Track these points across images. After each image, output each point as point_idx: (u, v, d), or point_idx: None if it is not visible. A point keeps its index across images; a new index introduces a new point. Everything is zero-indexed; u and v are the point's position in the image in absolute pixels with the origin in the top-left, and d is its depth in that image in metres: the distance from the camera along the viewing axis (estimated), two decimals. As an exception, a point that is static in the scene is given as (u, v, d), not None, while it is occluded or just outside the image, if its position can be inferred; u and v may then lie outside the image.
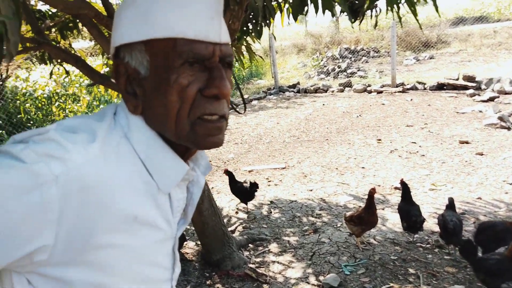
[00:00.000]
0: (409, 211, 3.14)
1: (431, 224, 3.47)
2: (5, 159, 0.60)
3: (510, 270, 2.41)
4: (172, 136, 0.70)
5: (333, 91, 10.16)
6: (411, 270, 2.86)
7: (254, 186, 3.93)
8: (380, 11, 2.99)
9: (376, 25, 3.16)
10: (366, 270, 2.89)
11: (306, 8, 2.15)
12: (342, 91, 10.07)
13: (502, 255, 2.47)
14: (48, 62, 3.91)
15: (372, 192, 3.01)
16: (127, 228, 0.67)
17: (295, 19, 2.02)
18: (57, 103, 8.48)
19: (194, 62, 0.68)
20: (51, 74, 4.32)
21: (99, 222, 0.63)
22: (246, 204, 4.10)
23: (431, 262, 2.94)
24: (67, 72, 4.07)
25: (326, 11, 1.94)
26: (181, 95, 0.67)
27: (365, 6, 2.61)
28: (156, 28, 0.67)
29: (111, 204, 0.64)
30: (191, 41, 0.67)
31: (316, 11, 1.92)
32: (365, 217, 2.99)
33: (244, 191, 3.96)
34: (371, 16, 3.30)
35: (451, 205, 3.06)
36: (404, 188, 3.28)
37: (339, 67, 12.72)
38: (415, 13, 2.31)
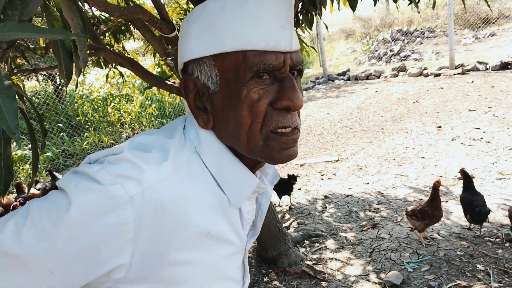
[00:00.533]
0: (473, 202, 2.95)
1: (500, 217, 3.23)
2: (82, 181, 0.61)
3: None
4: (245, 151, 0.69)
5: (386, 77, 9.79)
6: (480, 267, 2.68)
7: (292, 178, 3.83)
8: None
9: (434, 4, 2.95)
10: (430, 267, 2.75)
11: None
12: (396, 76, 9.67)
13: None
14: (103, 65, 4.07)
15: (437, 185, 2.84)
16: (200, 244, 0.67)
17: (353, 8, 1.91)
18: (112, 104, 8.85)
19: (264, 73, 0.65)
20: (107, 77, 4.50)
21: (173, 240, 0.64)
22: (287, 196, 4.00)
23: (501, 258, 2.73)
24: (122, 75, 4.21)
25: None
26: (252, 110, 0.65)
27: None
28: (225, 42, 0.65)
29: (185, 222, 0.64)
30: (261, 52, 0.64)
31: None
32: (428, 211, 2.83)
33: (281, 184, 3.82)
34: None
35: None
36: (466, 177, 3.10)
37: (391, 50, 12.21)
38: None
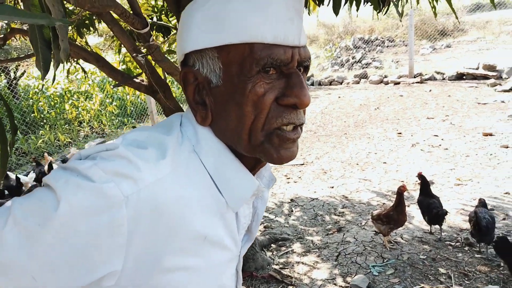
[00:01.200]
0: (430, 204, 3.09)
1: (459, 221, 3.36)
2: (72, 177, 0.56)
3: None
4: (244, 149, 0.65)
5: (348, 83, 10.01)
6: (442, 270, 2.76)
7: None
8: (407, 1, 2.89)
9: (402, 14, 3.04)
10: (395, 271, 2.81)
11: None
12: (357, 82, 9.91)
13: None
14: (64, 60, 3.88)
15: (401, 190, 2.91)
16: (196, 249, 0.63)
17: (336, 12, 1.91)
18: (70, 101, 8.50)
19: (271, 68, 0.62)
20: (68, 72, 4.30)
21: (168, 245, 0.59)
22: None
23: (462, 261, 2.84)
24: (84, 71, 4.04)
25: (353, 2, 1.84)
26: (256, 105, 0.62)
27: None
28: (231, 33, 0.61)
29: (182, 225, 0.60)
30: (269, 45, 0.61)
31: (358, 5, 1.82)
32: (394, 215, 2.90)
33: None
34: (396, 5, 3.19)
35: (483, 203, 2.96)
36: (423, 181, 3.23)
37: (353, 57, 12.53)
38: (449, 2, 2.20)
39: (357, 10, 1.90)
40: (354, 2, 1.96)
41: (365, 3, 2.33)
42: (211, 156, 0.65)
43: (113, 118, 8.39)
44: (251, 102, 0.62)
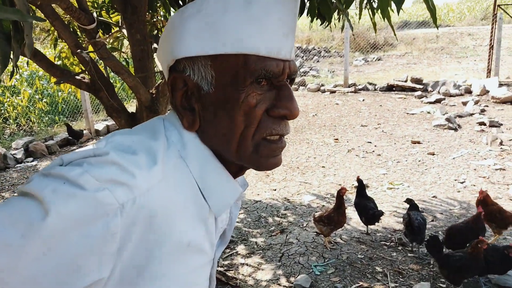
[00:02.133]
0: (366, 206, 3.31)
1: (392, 223, 3.59)
2: (60, 186, 0.52)
3: (473, 267, 2.54)
4: (232, 156, 0.66)
5: (288, 89, 10.27)
6: (378, 268, 2.93)
7: None
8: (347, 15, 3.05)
9: (343, 28, 3.22)
10: (335, 270, 2.93)
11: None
12: (296, 90, 10.20)
13: (465, 252, 2.59)
14: (28, 56, 3.62)
15: (342, 192, 3.05)
16: (179, 255, 0.62)
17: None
18: (-6, 96, 7.87)
19: (263, 79, 0.63)
20: (-3, 66, 3.99)
21: (156, 252, 0.58)
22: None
23: (396, 260, 3.03)
24: (16, 65, 3.76)
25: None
26: (248, 115, 0.63)
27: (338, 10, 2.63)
28: (227, 43, 0.61)
29: (170, 232, 0.59)
30: (263, 58, 0.62)
31: (312, 18, 1.89)
32: (334, 217, 3.03)
33: None
34: (339, 19, 3.35)
35: (413, 205, 3.19)
36: (360, 185, 3.45)
37: (292, 65, 12.86)
38: (389, 20, 2.36)
39: (311, 21, 1.98)
40: (307, 13, 2.04)
41: (307, 14, 2.44)
42: (197, 162, 0.65)
43: (43, 115, 7.88)
44: (243, 112, 0.63)
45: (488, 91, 7.87)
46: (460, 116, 6.71)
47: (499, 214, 3.02)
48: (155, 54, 2.74)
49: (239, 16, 0.61)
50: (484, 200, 3.06)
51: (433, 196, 4.05)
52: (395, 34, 2.50)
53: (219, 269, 2.97)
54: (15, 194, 0.59)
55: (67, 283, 0.53)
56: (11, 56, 0.83)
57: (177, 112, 0.67)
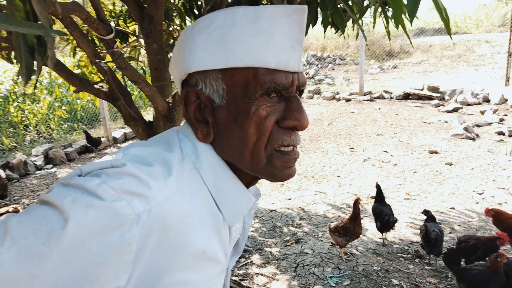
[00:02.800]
0: (382, 211, 3.30)
1: (409, 234, 3.53)
2: (79, 196, 0.54)
3: (491, 281, 2.47)
4: (246, 167, 0.67)
5: (302, 98, 10.25)
6: (395, 281, 2.88)
7: None
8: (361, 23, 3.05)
9: (357, 36, 3.22)
10: (351, 282, 2.89)
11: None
12: (311, 98, 10.18)
13: (484, 266, 2.53)
14: (15, 61, 3.72)
15: (358, 202, 3.02)
16: (195, 264, 0.64)
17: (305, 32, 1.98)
18: (15, 103, 8.04)
19: (273, 91, 0.65)
20: (18, 73, 4.09)
21: (172, 261, 0.60)
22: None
23: (413, 273, 2.98)
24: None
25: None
26: (259, 127, 0.65)
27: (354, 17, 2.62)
28: (236, 57, 0.63)
29: (185, 241, 0.61)
30: (272, 70, 0.64)
31: (325, 28, 1.89)
32: (350, 228, 3.00)
33: None
34: (353, 27, 3.34)
35: (430, 216, 3.13)
36: (378, 190, 3.46)
37: (307, 73, 12.87)
38: (404, 28, 2.34)
39: (325, 31, 1.98)
40: (321, 23, 2.03)
41: (320, 23, 2.43)
42: (211, 173, 0.67)
43: (62, 123, 8.02)
44: (254, 124, 0.64)
45: (506, 100, 7.72)
46: (478, 126, 6.59)
47: None
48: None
49: (248, 29, 0.63)
50: (497, 217, 2.99)
51: (451, 208, 3.97)
52: (411, 42, 2.48)
53: (234, 278, 2.96)
54: (35, 201, 0.60)
55: None
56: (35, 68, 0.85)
57: (191, 124, 0.69)
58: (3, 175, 5.04)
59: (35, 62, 0.92)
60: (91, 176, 0.58)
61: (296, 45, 0.65)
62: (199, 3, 2.78)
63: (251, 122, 0.64)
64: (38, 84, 8.94)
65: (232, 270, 3.07)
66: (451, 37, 1.63)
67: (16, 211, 4.00)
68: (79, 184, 0.56)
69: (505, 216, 3.02)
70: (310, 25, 2.22)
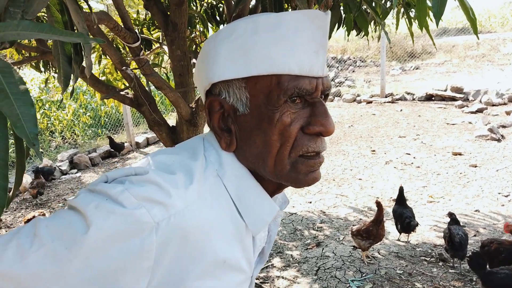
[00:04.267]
0: (403, 214, 3.31)
1: (433, 238, 3.49)
2: (102, 202, 0.57)
3: (519, 285, 2.43)
4: (270, 174, 0.67)
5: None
6: (418, 285, 2.86)
7: None
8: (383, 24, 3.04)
9: (379, 38, 3.22)
10: (373, 285, 2.88)
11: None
12: (332, 100, 10.14)
13: (510, 270, 2.49)
14: (43, 70, 3.86)
15: (380, 205, 3.02)
16: (216, 272, 0.64)
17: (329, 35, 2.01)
18: (41, 111, 8.29)
19: (296, 97, 0.64)
20: (46, 82, 4.23)
21: (192, 269, 0.61)
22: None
23: (436, 276, 2.94)
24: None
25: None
26: (283, 134, 0.64)
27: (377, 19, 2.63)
28: (259, 65, 0.63)
29: (206, 250, 0.62)
30: (295, 77, 0.63)
31: (349, 31, 1.91)
32: (373, 231, 2.98)
33: None
34: (375, 29, 3.34)
35: (454, 219, 3.10)
36: (400, 193, 3.46)
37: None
38: (427, 29, 2.33)
39: (348, 34, 1.99)
40: (344, 27, 2.05)
41: (343, 26, 2.45)
42: (234, 181, 0.67)
43: (86, 128, 8.22)
44: (278, 131, 0.64)
45: (534, 100, 7.53)
46: (503, 126, 6.45)
47: None
48: (194, 69, 2.83)
49: (269, 36, 0.63)
50: None
51: (476, 210, 3.90)
52: (434, 44, 2.47)
53: (255, 281, 2.99)
54: (61, 205, 0.64)
55: None
56: (72, 77, 0.90)
57: (215, 133, 0.70)
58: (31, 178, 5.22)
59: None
60: (116, 183, 0.60)
61: (320, 49, 0.65)
62: (221, 9, 2.84)
63: (274, 129, 0.64)
64: (70, 94, 9.19)
65: (254, 273, 3.10)
66: (477, 37, 1.62)
67: (42, 215, 4.13)
68: (103, 190, 0.58)
69: None
70: (335, 29, 2.23)
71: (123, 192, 0.57)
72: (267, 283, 3.02)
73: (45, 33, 0.70)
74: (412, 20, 2.59)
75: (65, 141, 7.82)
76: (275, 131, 0.64)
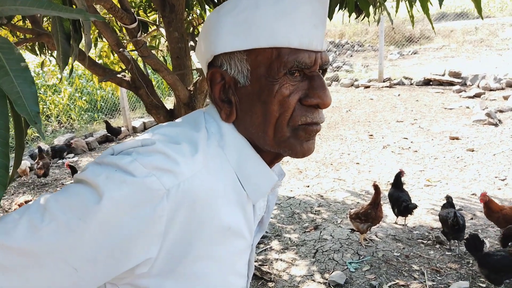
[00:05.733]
0: (399, 197, 3.34)
1: (430, 220, 3.51)
2: (113, 173, 0.58)
3: (514, 267, 2.46)
4: (268, 144, 0.69)
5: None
6: (415, 267, 2.89)
7: None
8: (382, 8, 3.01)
9: (379, 21, 3.19)
10: (370, 267, 2.91)
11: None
12: (329, 85, 10.09)
13: (507, 252, 2.52)
14: (38, 53, 3.80)
15: (377, 187, 3.03)
16: (222, 238, 0.67)
17: (330, 17, 1.98)
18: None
19: (296, 70, 0.66)
20: (42, 65, 4.18)
21: (200, 235, 0.63)
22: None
23: (433, 258, 2.98)
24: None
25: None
26: (282, 104, 0.66)
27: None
28: (260, 37, 0.65)
29: (212, 216, 0.64)
30: (295, 50, 0.65)
31: (350, 13, 1.89)
32: (372, 213, 3.01)
33: None
34: (375, 12, 3.30)
35: (450, 202, 3.12)
36: (397, 177, 3.49)
37: (324, 61, 12.72)
38: (427, 13, 2.30)
39: (349, 16, 1.97)
40: (346, 9, 2.02)
41: (343, 9, 2.42)
42: (234, 151, 0.69)
43: (82, 113, 8.17)
44: (277, 101, 0.66)
45: (531, 85, 7.53)
46: (501, 111, 6.46)
47: None
48: (192, 51, 2.80)
49: (270, 11, 0.64)
50: (488, 206, 2.97)
51: (472, 194, 3.93)
52: (433, 28, 2.45)
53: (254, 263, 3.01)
54: (58, 189, 0.64)
55: (120, 261, 0.59)
56: (71, 55, 0.88)
57: (215, 104, 0.71)
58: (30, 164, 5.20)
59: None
60: (123, 155, 0.61)
61: (319, 24, 0.67)
62: (219, -9, 2.79)
63: (274, 99, 0.66)
64: (59, 75, 9.10)
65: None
66: (482, 17, 1.60)
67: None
68: (112, 162, 0.60)
69: (495, 207, 2.98)
70: (335, 10, 2.20)
71: (132, 162, 0.58)
72: (266, 265, 3.04)
73: (44, 9, 0.69)
74: (413, 3, 2.56)
75: (61, 125, 7.78)
76: (275, 102, 0.66)
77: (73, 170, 4.48)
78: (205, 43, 0.72)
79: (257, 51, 0.66)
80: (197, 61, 2.82)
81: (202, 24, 3.59)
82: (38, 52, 3.77)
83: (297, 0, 0.65)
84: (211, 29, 0.70)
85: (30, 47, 3.63)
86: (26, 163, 5.25)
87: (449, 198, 3.16)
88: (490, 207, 2.98)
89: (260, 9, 0.65)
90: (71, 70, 1.08)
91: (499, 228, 3.13)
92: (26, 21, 3.09)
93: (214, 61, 0.71)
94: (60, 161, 6.06)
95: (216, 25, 0.69)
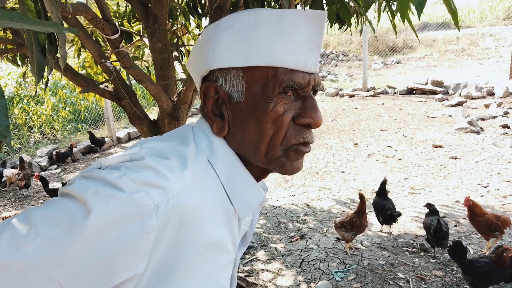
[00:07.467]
0: (384, 206, 3.35)
1: (414, 228, 3.54)
2: (101, 188, 0.57)
3: (497, 274, 2.49)
4: (259, 160, 0.70)
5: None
6: (400, 275, 2.90)
7: None
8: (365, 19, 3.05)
9: (361, 32, 3.23)
10: (356, 276, 2.91)
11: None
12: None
13: (490, 259, 2.54)
14: (20, 64, 3.75)
15: (363, 197, 3.05)
16: (207, 254, 0.67)
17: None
18: (20, 105, 8.09)
19: (289, 90, 0.68)
20: (23, 76, 4.13)
21: (187, 250, 0.63)
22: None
23: (418, 266, 2.99)
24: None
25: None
26: (276, 122, 0.68)
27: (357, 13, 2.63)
28: (258, 56, 0.66)
29: (199, 231, 0.64)
30: (291, 70, 0.67)
31: (332, 23, 1.91)
32: (357, 222, 3.01)
33: None
34: (357, 22, 3.35)
35: (433, 209, 3.15)
36: (381, 185, 3.51)
37: (310, 70, 12.84)
38: (410, 22, 2.34)
39: (331, 26, 1.99)
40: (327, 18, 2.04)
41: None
42: (224, 167, 0.70)
43: (66, 124, 8.07)
44: (271, 119, 0.67)
45: (511, 93, 7.70)
46: (482, 119, 6.58)
47: (497, 220, 2.95)
48: (175, 62, 2.79)
49: (271, 30, 0.66)
50: (472, 210, 3.00)
51: (456, 201, 3.98)
52: (417, 36, 2.49)
53: (240, 274, 2.99)
54: (41, 201, 0.63)
55: (107, 277, 0.58)
56: (46, 68, 0.87)
57: (207, 118, 0.72)
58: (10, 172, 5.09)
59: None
60: (111, 169, 0.61)
61: (315, 47, 0.69)
62: (203, 2, 2.80)
63: (268, 117, 0.67)
64: (42, 85, 8.98)
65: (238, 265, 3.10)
66: (458, 29, 1.64)
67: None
68: (99, 176, 0.59)
69: (479, 211, 3.02)
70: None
71: (121, 178, 0.58)
72: (252, 276, 3.02)
73: (15, 22, 0.67)
74: (395, 13, 2.61)
75: (44, 136, 7.67)
76: (269, 120, 0.67)
77: (44, 182, 4.39)
78: (200, 56, 0.73)
79: (254, 69, 0.67)
80: (181, 71, 2.81)
81: (186, 34, 3.59)
82: (20, 63, 3.72)
83: (296, 23, 0.67)
84: (208, 44, 0.71)
85: (11, 58, 3.59)
86: (12, 171, 5.17)
87: (431, 206, 3.19)
88: (474, 211, 3.01)
89: (260, 28, 0.66)
90: (46, 83, 1.07)
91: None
92: (7, 31, 3.05)
93: (208, 75, 0.72)
94: (43, 172, 5.95)
95: (213, 40, 0.70)
